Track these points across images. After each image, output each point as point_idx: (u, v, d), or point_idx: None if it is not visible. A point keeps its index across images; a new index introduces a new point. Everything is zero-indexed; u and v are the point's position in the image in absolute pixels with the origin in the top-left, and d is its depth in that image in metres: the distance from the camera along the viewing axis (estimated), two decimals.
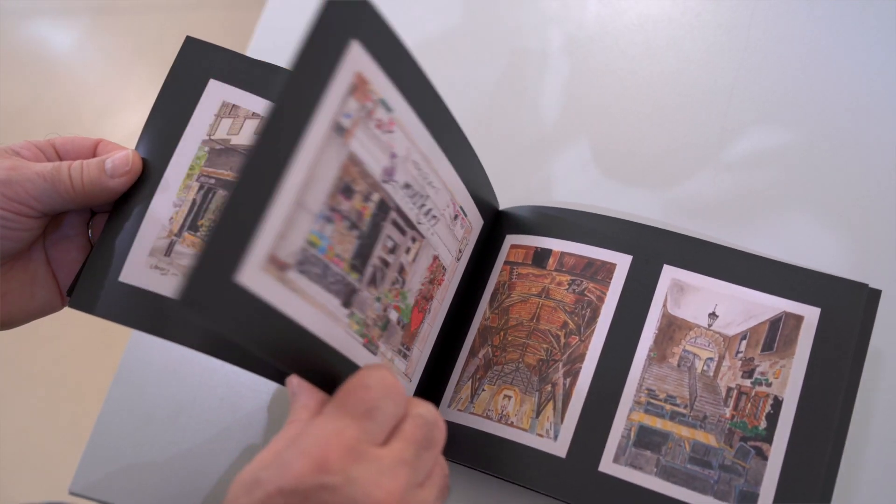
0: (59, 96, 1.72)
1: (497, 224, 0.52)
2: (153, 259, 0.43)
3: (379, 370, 0.35)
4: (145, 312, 0.43)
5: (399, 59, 0.37)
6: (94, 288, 0.43)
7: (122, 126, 1.67)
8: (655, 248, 0.48)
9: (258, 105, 0.46)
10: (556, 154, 0.58)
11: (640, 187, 0.55)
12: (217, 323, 0.30)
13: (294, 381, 0.36)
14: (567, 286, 0.49)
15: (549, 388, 0.47)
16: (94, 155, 0.46)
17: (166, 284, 0.43)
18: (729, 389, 0.45)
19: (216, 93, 0.46)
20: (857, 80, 0.55)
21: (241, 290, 0.31)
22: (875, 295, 0.44)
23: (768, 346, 0.45)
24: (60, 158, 0.45)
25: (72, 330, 1.43)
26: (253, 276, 0.31)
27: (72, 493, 0.53)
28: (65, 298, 0.46)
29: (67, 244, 0.47)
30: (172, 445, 0.53)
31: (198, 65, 0.46)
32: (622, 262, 0.49)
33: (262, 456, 0.32)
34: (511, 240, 0.51)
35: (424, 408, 0.35)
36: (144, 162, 0.45)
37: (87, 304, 0.43)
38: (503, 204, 0.54)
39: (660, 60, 0.59)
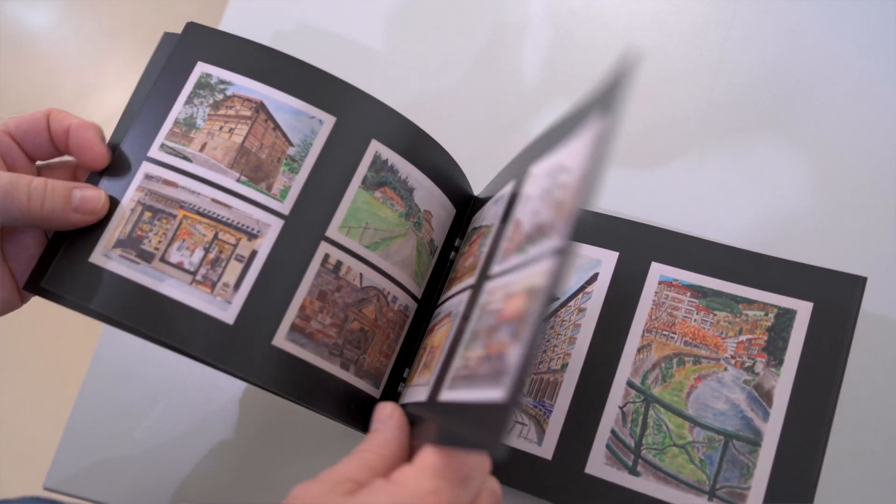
0: (34, 78, 1.68)
1: (473, 211, 0.51)
2: (119, 249, 0.41)
3: None
4: (121, 300, 0.40)
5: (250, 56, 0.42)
6: (62, 273, 0.41)
7: (99, 107, 1.63)
8: (643, 245, 0.47)
9: (249, 86, 0.43)
10: (534, 126, 0.56)
11: (625, 165, 0.54)
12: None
13: (389, 410, 0.36)
14: None
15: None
16: (48, 130, 0.43)
17: (138, 273, 0.41)
18: None
19: (199, 72, 0.44)
20: (844, 52, 0.54)
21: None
22: (861, 283, 0.43)
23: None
24: (20, 147, 0.43)
25: (49, 320, 1.41)
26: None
27: (46, 489, 0.51)
28: (23, 295, 0.43)
29: (24, 239, 0.43)
30: (149, 438, 0.51)
31: (187, 50, 0.44)
32: (608, 259, 0.47)
33: (340, 480, 0.32)
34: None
35: (494, 482, 0.35)
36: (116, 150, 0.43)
37: (57, 288, 0.41)
38: (483, 185, 0.52)
39: (644, 34, 0.58)
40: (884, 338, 0.47)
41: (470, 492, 0.33)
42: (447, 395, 0.35)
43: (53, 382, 1.40)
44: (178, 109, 0.43)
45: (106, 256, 0.41)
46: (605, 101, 0.31)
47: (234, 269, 0.41)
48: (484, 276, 0.39)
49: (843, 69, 0.53)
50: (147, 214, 0.41)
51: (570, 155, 0.33)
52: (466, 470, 0.32)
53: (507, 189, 0.42)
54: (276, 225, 0.42)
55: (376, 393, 0.44)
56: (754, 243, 0.48)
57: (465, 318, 0.38)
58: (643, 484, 0.42)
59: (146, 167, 0.42)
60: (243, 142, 0.42)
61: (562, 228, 0.30)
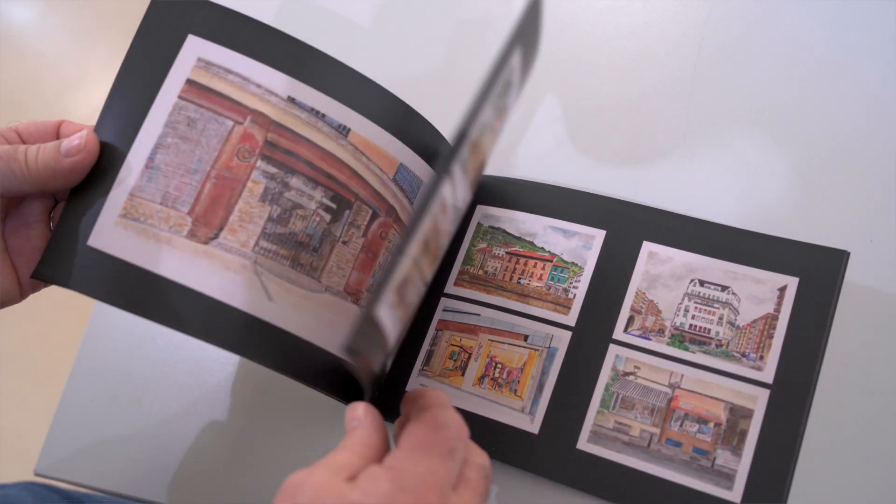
0: (19, 72, 1.67)
1: None
2: (123, 220, 0.41)
3: (448, 408, 0.36)
4: (119, 284, 0.40)
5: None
6: (61, 257, 0.41)
7: (85, 101, 1.62)
8: (631, 223, 0.47)
9: (243, 66, 0.43)
10: (523, 113, 0.56)
11: (608, 146, 0.54)
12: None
13: (362, 408, 0.37)
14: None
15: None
16: (57, 137, 0.45)
17: (140, 248, 0.41)
18: None
19: (194, 50, 0.43)
20: (827, 31, 0.54)
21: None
22: (844, 257, 0.44)
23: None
24: (24, 142, 0.44)
25: (43, 310, 1.40)
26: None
27: (37, 474, 0.52)
28: (24, 289, 0.44)
29: (28, 232, 0.44)
30: (139, 422, 0.51)
31: (172, 20, 0.43)
32: (596, 238, 0.48)
33: (337, 467, 0.33)
34: (482, 210, 0.50)
35: (482, 457, 0.36)
36: (104, 144, 0.43)
37: (53, 274, 0.41)
38: None
39: (626, 12, 0.58)
40: (866, 308, 0.47)
41: (457, 461, 0.34)
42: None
43: (42, 375, 1.40)
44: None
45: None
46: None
47: None
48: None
49: (827, 44, 0.54)
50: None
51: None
52: (450, 442, 0.34)
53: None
54: None
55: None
56: (737, 223, 0.48)
57: None
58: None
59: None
60: None
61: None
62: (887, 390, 0.44)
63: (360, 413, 0.37)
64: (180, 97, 0.42)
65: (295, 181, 0.43)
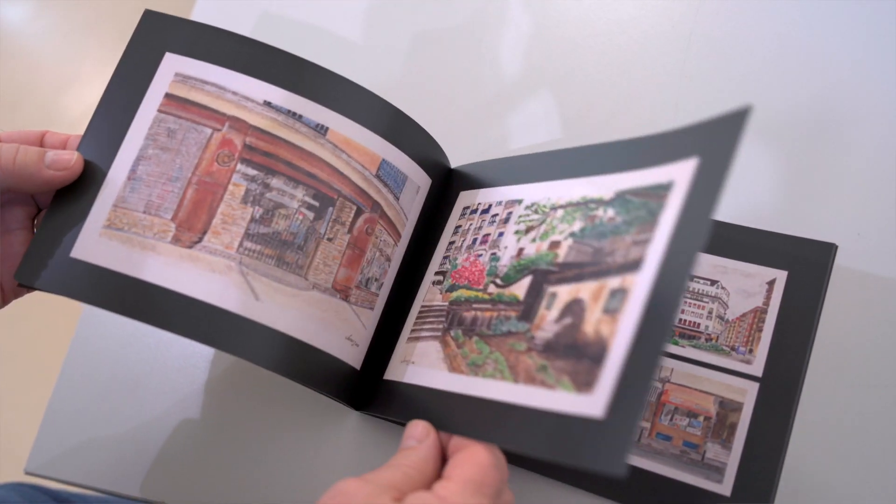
0: (10, 74, 1.67)
1: (449, 182, 0.51)
2: (107, 229, 0.42)
3: (496, 448, 0.36)
4: (105, 291, 0.41)
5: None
6: (43, 262, 0.42)
7: (77, 103, 1.62)
8: (568, 165, 0.47)
9: (218, 76, 0.44)
10: (514, 108, 0.56)
11: (600, 138, 0.54)
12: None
13: (422, 429, 0.37)
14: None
15: None
16: (41, 145, 0.45)
17: (125, 256, 0.41)
18: None
19: (171, 66, 0.44)
20: (815, 26, 0.54)
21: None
22: (833, 250, 0.44)
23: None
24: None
25: (33, 308, 1.40)
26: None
27: (27, 473, 0.51)
28: (7, 295, 0.45)
29: (10, 238, 0.45)
30: (129, 420, 0.51)
31: (153, 39, 0.45)
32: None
33: (386, 486, 0.33)
34: (462, 196, 0.50)
35: (510, 496, 0.37)
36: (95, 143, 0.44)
37: (37, 280, 0.41)
38: (464, 160, 0.52)
39: (616, 8, 0.58)
40: (854, 301, 0.47)
41: (500, 503, 0.35)
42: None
43: (32, 374, 1.40)
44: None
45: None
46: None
47: None
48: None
49: (818, 37, 0.54)
50: None
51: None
52: (499, 484, 0.35)
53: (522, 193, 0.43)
54: None
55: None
56: (727, 219, 0.49)
57: None
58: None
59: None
60: None
61: None
62: (877, 383, 0.44)
63: (420, 433, 0.37)
64: (160, 111, 0.43)
65: (276, 181, 0.43)
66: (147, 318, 0.40)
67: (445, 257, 0.47)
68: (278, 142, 0.44)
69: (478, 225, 0.47)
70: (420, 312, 0.47)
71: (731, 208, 0.49)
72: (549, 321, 0.38)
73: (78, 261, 0.41)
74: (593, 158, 0.43)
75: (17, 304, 0.47)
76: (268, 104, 0.44)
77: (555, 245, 0.41)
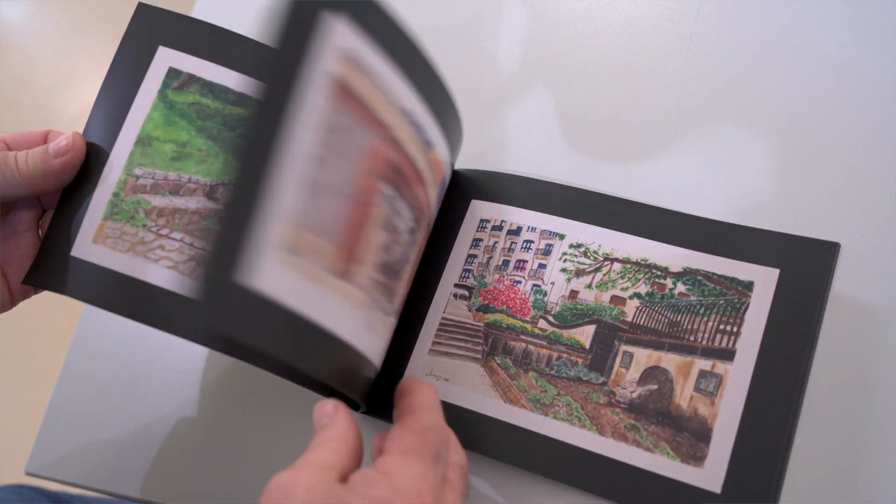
0: (8, 72, 1.66)
1: (455, 183, 0.51)
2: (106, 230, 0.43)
3: (434, 411, 0.37)
4: (110, 291, 0.43)
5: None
6: (50, 263, 0.43)
7: (75, 100, 1.62)
8: (612, 217, 0.47)
9: (213, 73, 0.44)
10: (514, 109, 0.56)
11: (599, 140, 0.54)
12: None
13: (332, 405, 0.37)
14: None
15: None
16: (43, 143, 0.46)
17: (122, 259, 0.42)
18: None
19: (164, 61, 0.45)
20: (816, 26, 0.54)
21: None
22: (834, 249, 0.43)
23: None
24: (11, 150, 0.45)
25: (33, 309, 1.40)
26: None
27: (28, 474, 0.51)
28: (14, 297, 0.46)
29: (17, 240, 0.46)
30: (130, 421, 0.51)
31: (147, 33, 0.45)
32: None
33: (321, 466, 0.33)
34: (476, 205, 0.49)
35: (460, 456, 0.37)
36: (91, 145, 0.45)
37: (44, 281, 0.43)
38: (463, 160, 0.52)
39: (616, 8, 0.58)
40: (851, 304, 0.47)
41: (443, 463, 0.36)
42: None
43: (32, 375, 1.39)
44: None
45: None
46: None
47: None
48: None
49: (808, 42, 0.54)
50: None
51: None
52: (437, 445, 0.35)
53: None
54: None
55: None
56: (728, 218, 0.48)
57: None
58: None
59: None
60: None
61: None
62: (877, 384, 0.44)
63: (330, 409, 0.36)
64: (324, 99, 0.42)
65: (400, 204, 0.40)
66: (149, 319, 0.41)
67: (467, 270, 0.47)
68: (405, 156, 0.39)
69: (505, 245, 0.47)
70: (441, 325, 0.46)
71: (732, 207, 0.49)
72: (629, 381, 0.41)
73: (80, 259, 0.42)
74: (654, 221, 0.45)
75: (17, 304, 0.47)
76: (405, 113, 0.38)
77: (617, 300, 0.42)
